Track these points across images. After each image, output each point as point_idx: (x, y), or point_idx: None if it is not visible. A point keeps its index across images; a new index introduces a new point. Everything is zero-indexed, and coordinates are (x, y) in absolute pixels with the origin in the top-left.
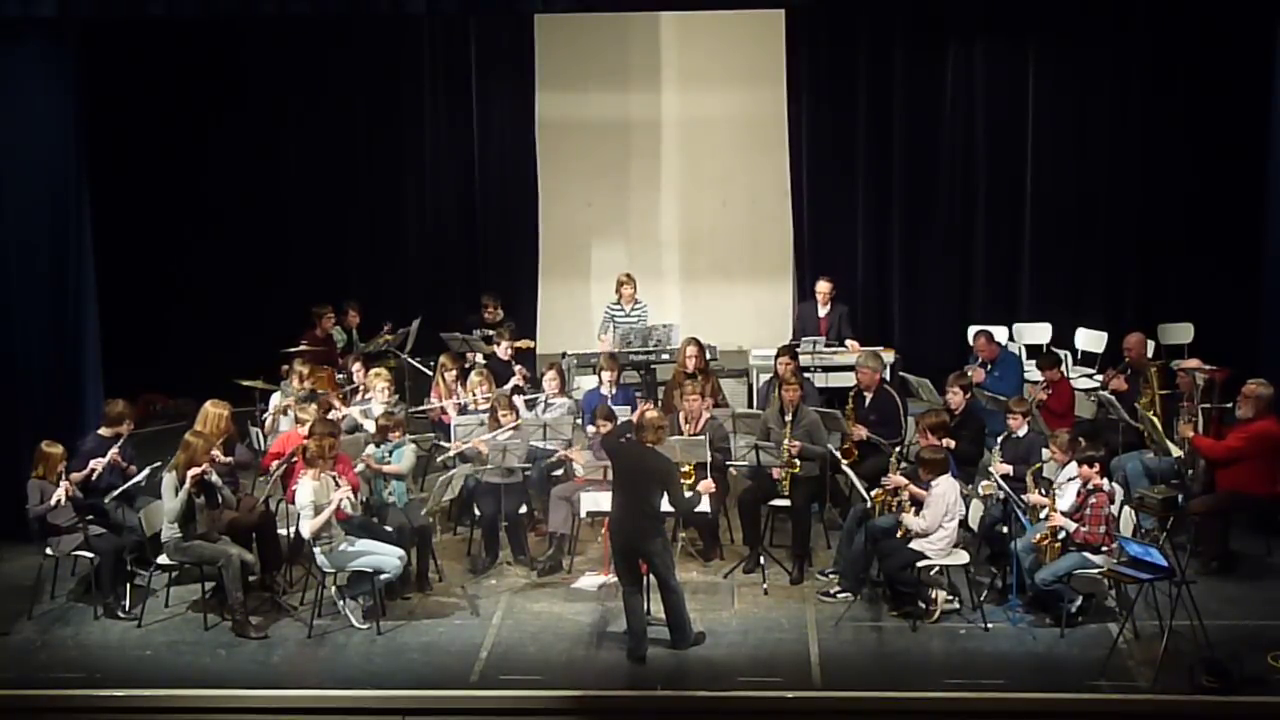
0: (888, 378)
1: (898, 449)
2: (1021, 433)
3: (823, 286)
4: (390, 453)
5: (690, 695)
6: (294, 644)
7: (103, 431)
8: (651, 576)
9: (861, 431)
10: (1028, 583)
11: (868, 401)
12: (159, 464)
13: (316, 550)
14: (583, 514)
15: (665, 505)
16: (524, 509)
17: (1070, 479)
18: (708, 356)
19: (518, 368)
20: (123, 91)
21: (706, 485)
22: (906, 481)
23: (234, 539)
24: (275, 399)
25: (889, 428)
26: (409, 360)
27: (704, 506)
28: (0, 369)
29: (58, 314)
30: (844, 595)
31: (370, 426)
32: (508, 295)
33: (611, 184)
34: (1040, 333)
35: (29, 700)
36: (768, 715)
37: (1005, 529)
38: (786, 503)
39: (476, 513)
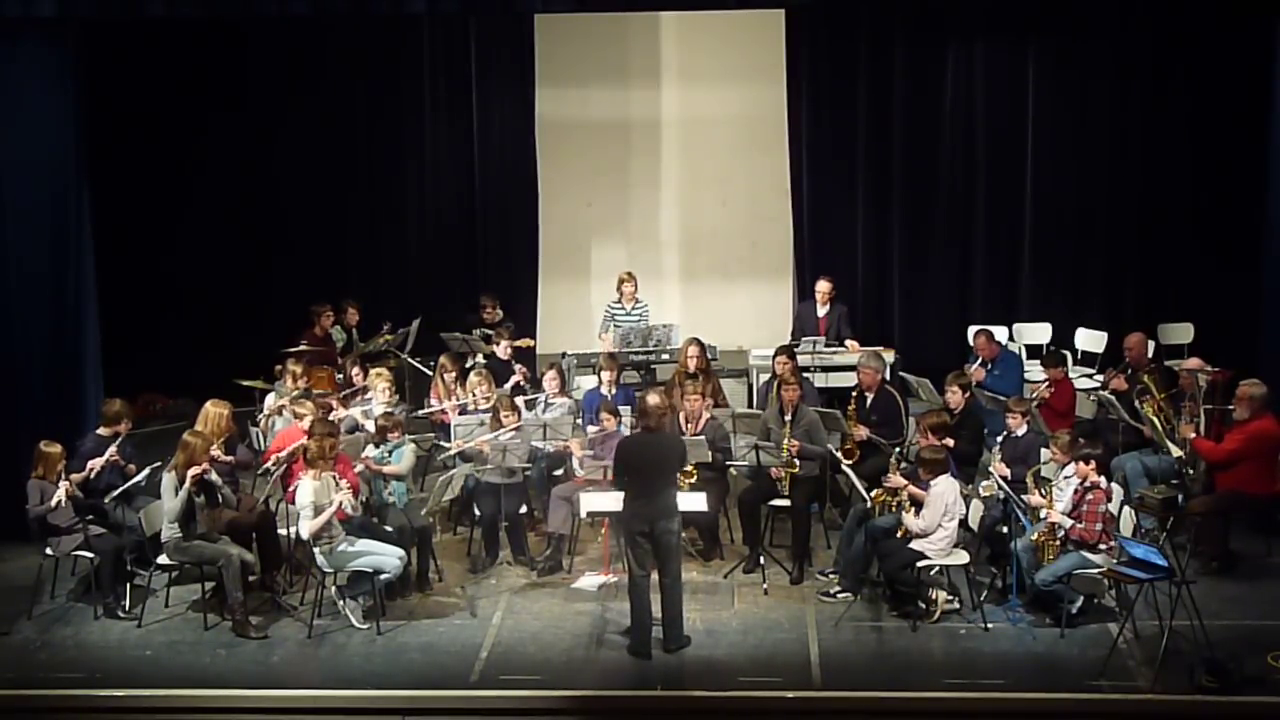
0: (888, 378)
1: (898, 449)
2: (1020, 432)
3: (822, 286)
4: (390, 453)
5: (690, 695)
6: (294, 644)
7: (101, 431)
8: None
9: (863, 432)
10: (1028, 583)
11: (869, 402)
12: (159, 464)
13: (316, 550)
14: (583, 514)
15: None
16: (524, 509)
17: (1068, 478)
18: (708, 356)
19: (518, 366)
20: (123, 91)
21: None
22: (906, 482)
23: (234, 539)
24: (270, 400)
25: (890, 428)
26: (409, 360)
27: (703, 506)
28: (0, 369)
29: (58, 314)
30: (844, 595)
31: (370, 427)
32: (508, 295)
33: (611, 183)
34: (1040, 333)
35: (29, 700)
36: (768, 715)
37: (1005, 529)
38: (786, 503)
39: (476, 513)
